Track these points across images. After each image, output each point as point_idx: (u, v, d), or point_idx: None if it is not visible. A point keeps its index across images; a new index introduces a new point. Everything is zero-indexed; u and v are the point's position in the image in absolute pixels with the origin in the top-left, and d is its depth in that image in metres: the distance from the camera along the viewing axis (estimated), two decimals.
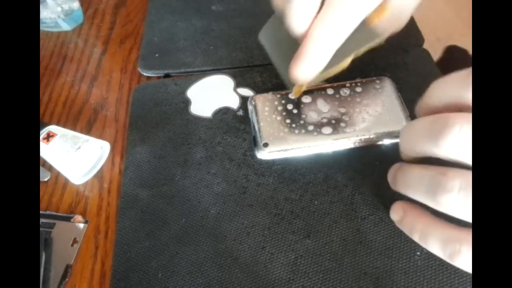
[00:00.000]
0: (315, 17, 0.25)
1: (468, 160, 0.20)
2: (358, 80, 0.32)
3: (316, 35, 0.25)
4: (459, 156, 0.21)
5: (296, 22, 0.25)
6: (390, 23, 0.27)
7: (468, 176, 0.20)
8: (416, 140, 0.23)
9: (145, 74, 0.38)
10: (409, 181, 0.24)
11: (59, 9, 0.42)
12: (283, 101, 0.32)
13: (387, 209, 0.26)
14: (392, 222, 0.26)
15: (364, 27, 0.25)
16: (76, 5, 0.43)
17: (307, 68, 0.26)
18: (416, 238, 0.24)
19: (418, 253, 0.26)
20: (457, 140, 0.20)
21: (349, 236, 0.27)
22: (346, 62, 0.27)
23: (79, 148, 0.30)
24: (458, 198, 0.20)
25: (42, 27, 0.43)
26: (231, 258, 0.27)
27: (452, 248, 0.21)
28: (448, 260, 0.22)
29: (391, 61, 0.36)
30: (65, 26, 0.43)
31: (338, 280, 0.25)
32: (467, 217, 0.21)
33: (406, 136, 0.24)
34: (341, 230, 0.27)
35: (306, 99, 0.31)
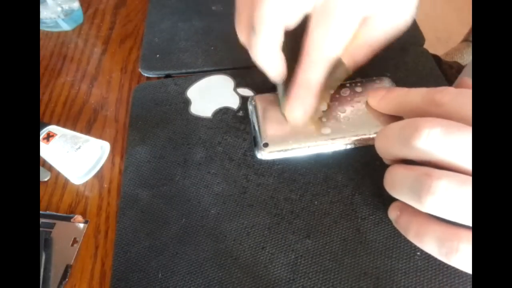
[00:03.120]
0: (280, 49, 0.27)
1: (440, 160, 0.21)
2: (358, 80, 0.32)
3: (301, 82, 0.27)
4: (431, 157, 0.21)
5: (260, 58, 0.27)
6: (358, 53, 0.29)
7: (452, 176, 0.20)
8: (389, 144, 0.24)
9: (146, 75, 0.38)
10: (394, 182, 0.24)
11: (59, 9, 0.42)
12: None
13: (387, 209, 0.26)
14: (392, 222, 0.26)
15: (336, 63, 0.27)
16: (76, 5, 0.43)
17: (300, 112, 0.29)
18: (411, 237, 0.24)
19: (418, 253, 0.26)
20: (427, 142, 0.21)
21: (349, 236, 0.27)
22: (328, 97, 0.30)
23: (79, 148, 0.30)
24: (443, 200, 0.20)
25: (42, 27, 0.43)
26: (231, 258, 0.27)
27: (450, 246, 0.21)
28: (443, 259, 0.22)
29: (391, 61, 0.35)
30: (65, 26, 0.43)
31: (338, 280, 0.25)
32: (454, 217, 0.21)
33: (380, 141, 0.25)
34: (341, 230, 0.27)
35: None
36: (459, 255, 0.21)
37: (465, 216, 0.20)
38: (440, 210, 0.21)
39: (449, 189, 0.20)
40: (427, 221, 0.22)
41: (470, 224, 0.20)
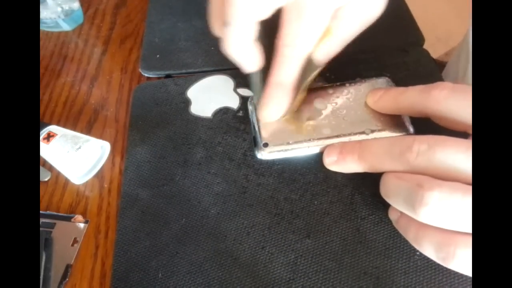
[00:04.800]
0: (252, 42, 0.26)
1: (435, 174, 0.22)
2: (357, 80, 0.32)
3: (274, 81, 0.27)
4: (426, 172, 0.22)
5: (233, 51, 0.26)
6: (330, 46, 0.28)
7: (444, 186, 0.21)
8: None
9: (146, 75, 0.38)
10: (388, 192, 0.24)
11: (59, 9, 0.42)
12: None
13: (387, 209, 0.26)
14: (391, 222, 0.26)
15: (309, 59, 0.27)
16: (76, 5, 0.43)
17: (274, 110, 0.28)
18: (409, 239, 0.24)
19: (418, 253, 0.26)
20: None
21: (349, 236, 0.27)
22: (303, 94, 0.29)
23: (80, 148, 0.30)
24: (437, 210, 0.20)
25: (42, 27, 0.43)
26: (231, 258, 0.27)
27: (447, 251, 0.21)
28: (441, 263, 0.22)
29: (391, 61, 0.35)
30: (65, 26, 0.43)
31: (338, 280, 0.25)
32: (450, 226, 0.21)
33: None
34: (341, 230, 0.27)
35: (306, 99, 0.31)
36: (456, 261, 0.21)
37: (461, 224, 0.20)
38: (435, 220, 0.21)
39: (442, 199, 0.20)
40: (425, 225, 0.22)
41: (467, 231, 0.20)
